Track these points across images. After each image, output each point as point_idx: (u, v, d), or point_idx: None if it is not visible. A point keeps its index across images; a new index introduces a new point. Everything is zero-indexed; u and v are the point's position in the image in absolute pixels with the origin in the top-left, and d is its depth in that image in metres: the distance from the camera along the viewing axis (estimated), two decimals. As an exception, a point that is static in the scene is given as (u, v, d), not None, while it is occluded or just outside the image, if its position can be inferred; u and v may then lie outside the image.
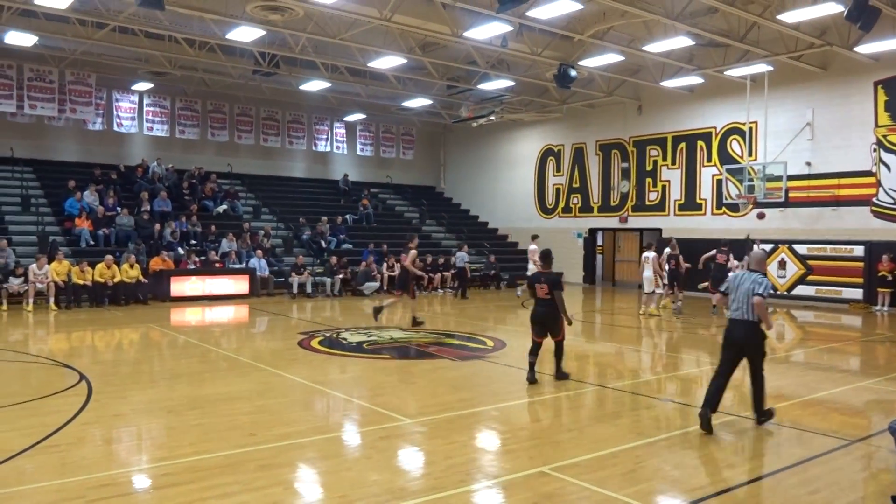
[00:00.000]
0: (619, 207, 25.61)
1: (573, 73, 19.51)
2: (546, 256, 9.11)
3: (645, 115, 24.60)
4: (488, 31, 17.02)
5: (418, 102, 26.38)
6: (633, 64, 21.17)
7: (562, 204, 27.77)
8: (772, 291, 7.10)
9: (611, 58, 19.43)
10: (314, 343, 12.13)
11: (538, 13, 15.59)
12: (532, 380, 8.81)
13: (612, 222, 26.00)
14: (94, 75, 22.71)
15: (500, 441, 6.73)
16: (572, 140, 27.37)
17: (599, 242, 27.18)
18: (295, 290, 20.36)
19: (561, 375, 9.07)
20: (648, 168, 24.60)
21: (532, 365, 8.89)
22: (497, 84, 22.97)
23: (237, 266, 20.45)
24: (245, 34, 17.79)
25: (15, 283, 16.39)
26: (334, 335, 13.05)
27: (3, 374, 9.92)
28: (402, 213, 29.89)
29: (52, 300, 16.54)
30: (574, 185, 27.28)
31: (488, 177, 30.75)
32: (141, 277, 17.97)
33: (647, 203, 24.67)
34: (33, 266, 16.55)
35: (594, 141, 26.59)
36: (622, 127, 25.44)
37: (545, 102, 25.83)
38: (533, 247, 18.61)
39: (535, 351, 8.94)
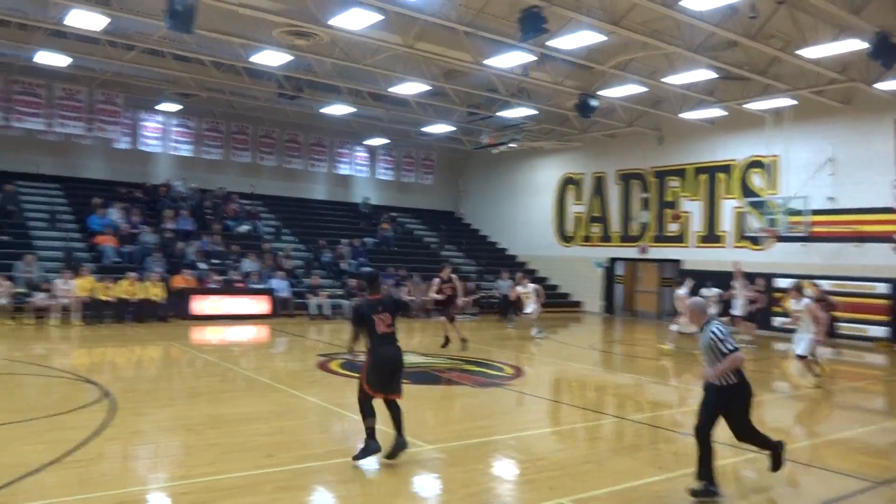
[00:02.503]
0: (639, 237, 25.55)
1: (594, 103, 19.61)
2: (372, 280, 7.15)
3: (666, 146, 24.61)
4: (510, 59, 17.18)
5: (439, 128, 26.59)
6: (655, 95, 21.25)
7: (581, 233, 27.73)
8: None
9: (632, 89, 19.52)
10: (334, 365, 12.16)
11: (560, 43, 15.73)
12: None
13: (632, 252, 25.92)
14: (123, 95, 23.13)
15: (519, 470, 6.71)
16: (593, 169, 27.41)
17: (619, 272, 27.06)
18: (314, 311, 20.45)
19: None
20: (668, 199, 24.57)
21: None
22: (518, 112, 23.12)
23: (258, 286, 20.61)
24: (270, 58, 18.08)
25: (40, 298, 16.62)
26: (354, 358, 13.05)
27: (27, 387, 10.05)
28: (421, 237, 30.01)
29: (76, 315, 16.75)
30: (594, 214, 27.25)
31: (508, 203, 30.83)
32: (163, 295, 18.14)
33: (667, 234, 24.59)
34: (58, 281, 16.81)
35: (614, 170, 26.60)
36: (643, 157, 25.45)
37: (565, 131, 25.94)
38: (682, 291, 16.02)
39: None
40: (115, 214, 21.51)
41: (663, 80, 18.37)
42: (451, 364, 12.67)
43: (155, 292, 17.99)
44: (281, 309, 20.49)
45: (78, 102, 22.26)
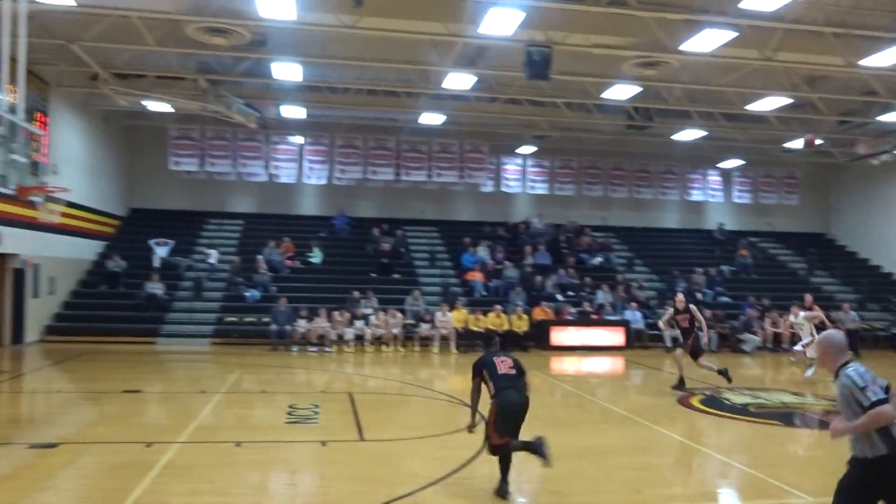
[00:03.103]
0: None
1: None
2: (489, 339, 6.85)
3: None
4: (890, 56, 14.99)
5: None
6: None
7: None
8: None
9: None
10: (694, 401, 11.73)
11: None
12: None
13: None
14: (487, 144, 25.59)
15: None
16: None
17: None
18: (668, 343, 19.96)
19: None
20: None
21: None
22: (902, 115, 19.97)
23: (612, 317, 20.87)
24: (620, 92, 18.41)
25: (424, 329, 19.04)
26: (716, 394, 12.45)
27: (416, 408, 11.55)
28: (784, 263, 27.41)
29: (453, 344, 18.82)
30: None
31: (894, 221, 26.59)
32: (525, 327, 19.42)
33: None
34: (438, 313, 19.09)
35: None
36: None
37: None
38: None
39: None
40: (482, 252, 23.71)
41: None
42: (829, 406, 11.32)
43: (518, 324, 19.33)
44: (635, 340, 20.41)
45: (451, 154, 25.22)
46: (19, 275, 17.17)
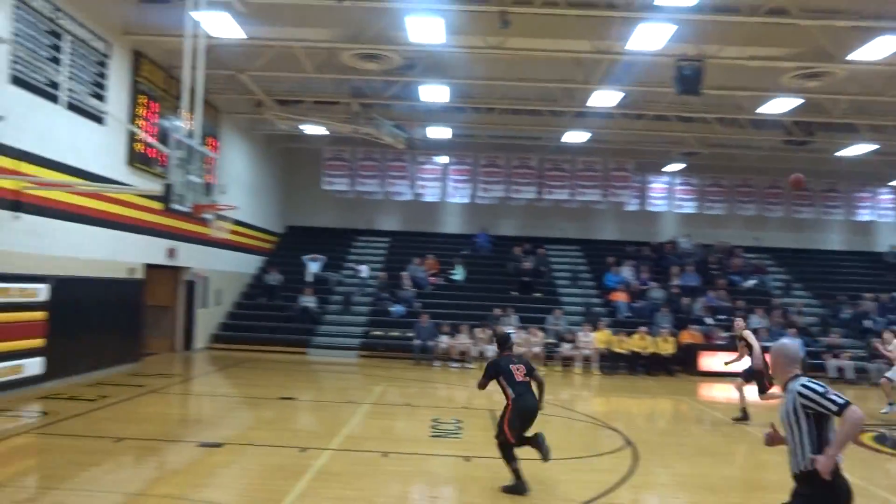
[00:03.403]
0: None
1: None
2: (505, 340, 7.69)
3: None
4: None
5: None
6: None
7: None
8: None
9: None
10: (865, 438, 10.76)
11: None
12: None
13: None
14: (633, 161, 25.01)
15: None
16: None
17: None
18: (832, 373, 18.44)
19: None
20: None
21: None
22: None
23: (768, 343, 19.54)
24: (778, 106, 17.39)
25: (566, 348, 18.79)
26: (889, 432, 11.36)
27: (558, 429, 11.38)
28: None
29: (595, 365, 18.43)
30: None
31: None
32: (672, 350, 18.66)
33: None
34: (581, 333, 18.77)
35: None
36: None
37: None
38: None
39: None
40: (626, 272, 23.10)
41: None
42: None
43: (664, 347, 18.61)
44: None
45: (595, 172, 24.87)
46: (190, 286, 18.72)
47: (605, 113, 19.41)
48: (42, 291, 11.47)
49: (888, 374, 13.69)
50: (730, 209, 26.14)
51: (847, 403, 3.88)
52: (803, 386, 4.04)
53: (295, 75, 17.13)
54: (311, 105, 20.37)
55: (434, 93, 17.60)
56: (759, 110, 17.78)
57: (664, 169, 25.76)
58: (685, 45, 13.76)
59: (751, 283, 23.53)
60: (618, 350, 18.52)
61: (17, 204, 11.18)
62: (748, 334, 12.17)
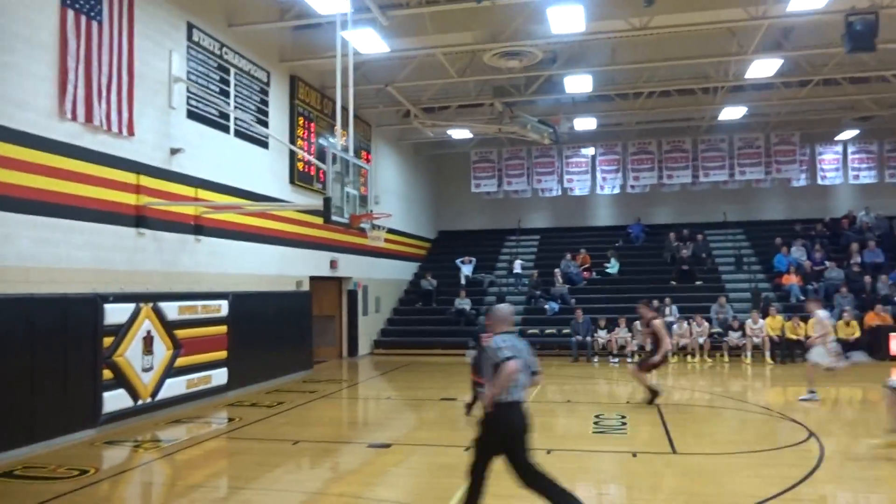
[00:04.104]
0: None
1: None
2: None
3: None
4: None
5: None
6: None
7: None
8: None
9: None
10: None
11: None
12: None
13: None
14: (798, 133, 23.19)
15: None
16: None
17: None
18: None
19: None
20: None
21: None
22: None
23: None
24: (971, 55, 15.44)
25: (734, 337, 17.74)
26: None
27: (730, 421, 10.77)
28: None
29: (767, 354, 17.25)
30: None
31: None
32: (857, 334, 17.09)
33: None
34: (749, 321, 17.64)
35: None
36: None
37: None
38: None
39: None
40: (797, 252, 21.47)
41: None
42: None
43: (847, 331, 17.07)
44: None
45: (755, 149, 23.33)
46: (352, 296, 19.63)
47: (764, 84, 18.17)
48: (224, 307, 12.49)
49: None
50: (918, 175, 23.56)
51: (507, 358, 5.12)
52: (493, 342, 5.32)
53: (439, 82, 17.52)
54: (455, 110, 20.74)
55: (577, 83, 17.29)
56: (948, 61, 15.89)
57: (836, 138, 23.67)
58: (853, -1, 12.56)
59: (948, 256, 21.04)
60: (792, 337, 17.22)
61: (198, 227, 12.27)
62: (655, 322, 11.91)
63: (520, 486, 5.26)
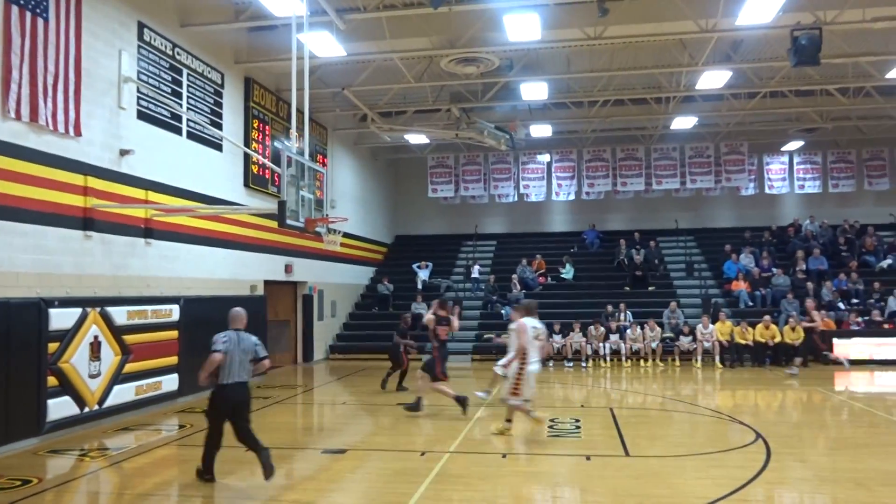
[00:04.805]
0: None
1: None
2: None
3: None
4: None
5: None
6: None
7: None
8: None
9: None
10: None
11: None
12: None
13: None
14: (746, 143, 23.83)
15: None
16: None
17: None
18: None
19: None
20: None
21: None
22: None
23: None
24: (908, 70, 16.07)
25: (685, 342, 18.09)
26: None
27: (680, 424, 10.97)
28: None
29: (717, 358, 17.64)
30: None
31: None
32: (800, 338, 17.58)
33: None
34: (699, 326, 18.02)
35: None
36: None
37: None
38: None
39: None
40: (746, 259, 22.02)
41: None
42: None
43: (792, 336, 17.55)
44: (946, 355, 17.46)
45: (705, 158, 23.90)
46: (307, 300, 19.41)
47: (715, 94, 18.65)
48: (175, 311, 12.22)
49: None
50: (859, 186, 24.40)
51: (215, 351, 7.09)
52: (214, 337, 7.20)
53: (396, 86, 17.49)
54: (412, 115, 20.74)
55: (533, 91, 17.48)
56: (889, 76, 16.48)
57: (782, 148, 24.40)
58: (799, 14, 12.96)
59: (887, 263, 21.82)
60: (741, 341, 17.65)
61: (148, 231, 11.99)
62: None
63: (238, 441, 7.19)
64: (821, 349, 17.07)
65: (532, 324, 9.14)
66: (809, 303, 18.04)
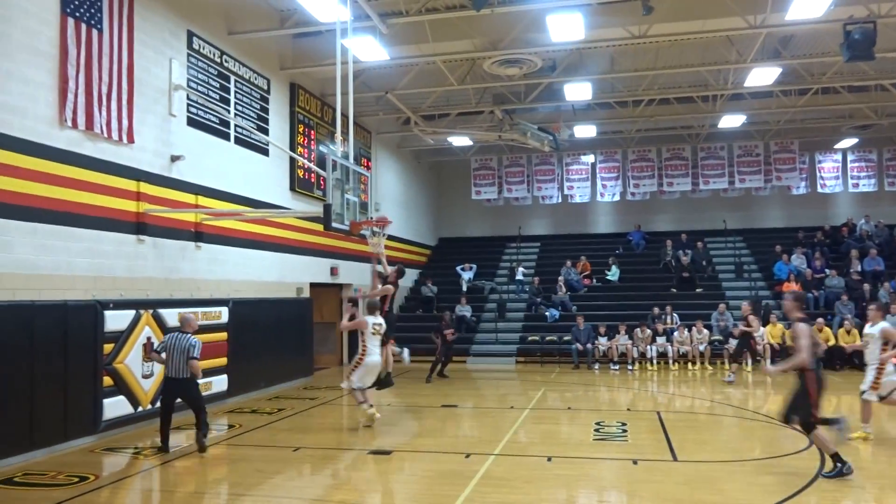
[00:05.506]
0: None
1: None
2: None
3: None
4: None
5: None
6: None
7: None
8: None
9: None
10: None
11: None
12: None
13: None
14: (797, 141, 23.24)
15: None
16: None
17: None
18: None
19: None
20: None
21: None
22: None
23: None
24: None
25: (734, 345, 17.68)
26: None
27: (730, 429, 10.74)
28: None
29: (768, 362, 17.21)
30: None
31: None
32: (858, 341, 17.04)
33: None
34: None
35: None
36: None
37: None
38: None
39: None
40: (797, 260, 21.47)
41: None
42: None
43: (847, 339, 17.03)
44: None
45: (754, 157, 23.39)
46: (353, 303, 19.51)
47: (764, 92, 18.24)
48: (224, 314, 12.47)
49: None
50: (919, 183, 23.61)
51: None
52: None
53: (439, 89, 17.55)
54: (455, 117, 20.78)
55: (577, 91, 17.33)
56: (947, 69, 15.93)
57: (835, 146, 23.72)
58: (852, 7, 12.61)
59: (948, 263, 21.05)
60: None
61: (198, 234, 12.27)
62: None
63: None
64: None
65: (374, 320, 10.61)
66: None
